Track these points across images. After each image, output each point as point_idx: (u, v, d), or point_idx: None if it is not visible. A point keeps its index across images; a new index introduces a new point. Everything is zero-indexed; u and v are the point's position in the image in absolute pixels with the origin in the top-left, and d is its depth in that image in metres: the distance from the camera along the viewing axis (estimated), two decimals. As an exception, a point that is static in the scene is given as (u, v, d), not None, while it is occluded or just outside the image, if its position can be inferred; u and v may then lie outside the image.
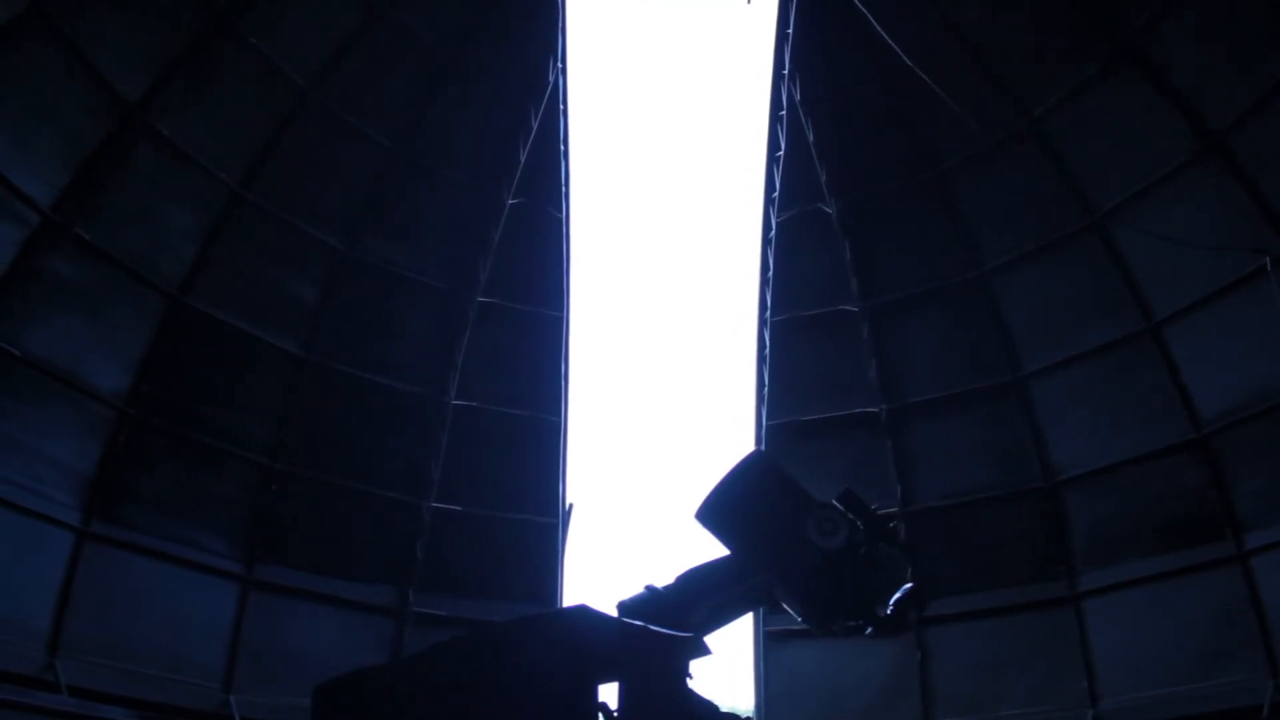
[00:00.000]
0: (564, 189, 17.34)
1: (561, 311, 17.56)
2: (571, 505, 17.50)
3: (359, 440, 16.41)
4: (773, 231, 17.52)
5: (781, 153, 17.18)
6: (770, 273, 17.63)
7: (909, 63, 15.08)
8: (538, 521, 17.21)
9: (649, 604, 5.57)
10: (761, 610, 13.60)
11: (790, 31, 16.39)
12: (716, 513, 5.92)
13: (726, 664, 16.86)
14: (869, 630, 5.71)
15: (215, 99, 14.72)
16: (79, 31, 13.09)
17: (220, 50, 14.49)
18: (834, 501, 5.88)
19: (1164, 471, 15.18)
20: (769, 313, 17.65)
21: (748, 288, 18.04)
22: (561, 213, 17.37)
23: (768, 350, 17.67)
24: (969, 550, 16.44)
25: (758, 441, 17.53)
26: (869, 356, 17.18)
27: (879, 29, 15.19)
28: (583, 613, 5.18)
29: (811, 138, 16.90)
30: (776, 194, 17.40)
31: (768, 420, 17.55)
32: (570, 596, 17.09)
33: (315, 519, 15.83)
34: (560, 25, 16.38)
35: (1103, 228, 15.49)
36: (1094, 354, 15.81)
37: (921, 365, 17.11)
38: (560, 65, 16.62)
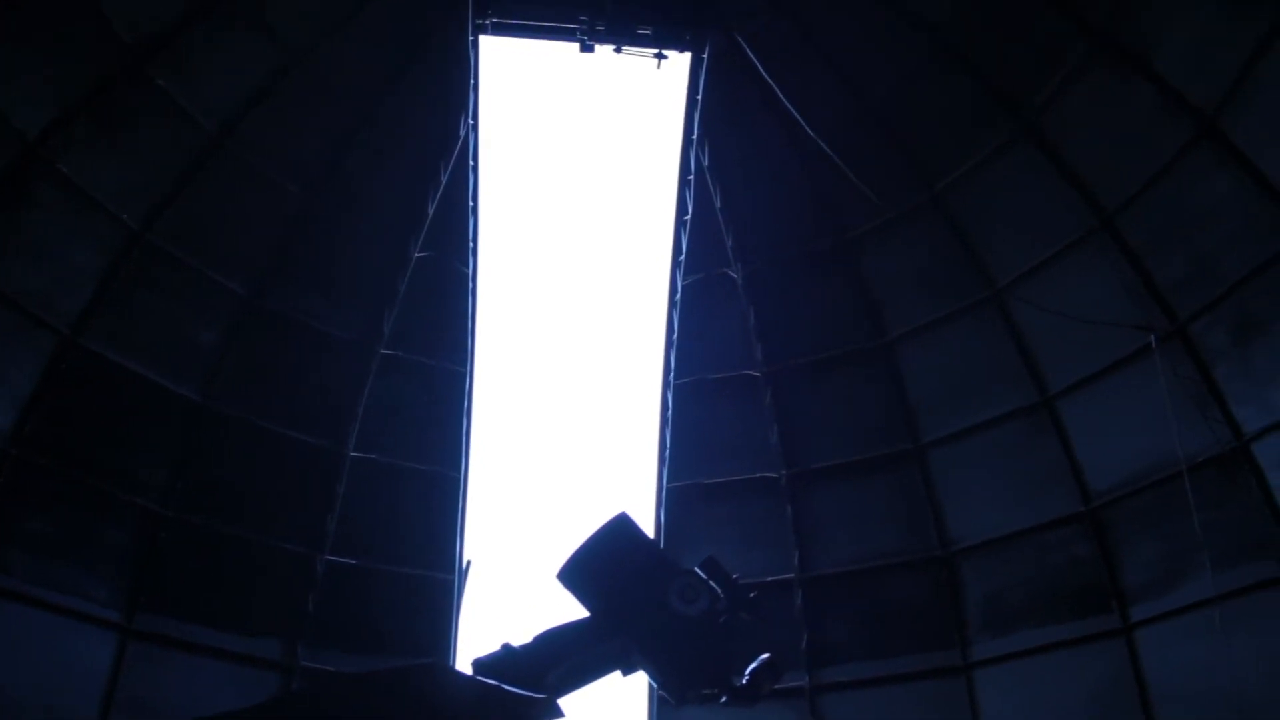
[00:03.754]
0: (472, 244, 17.26)
1: (465, 366, 17.43)
2: (470, 562, 17.32)
3: (254, 490, 16.11)
4: (678, 294, 17.60)
5: (689, 216, 17.29)
6: (675, 335, 17.67)
7: (811, 133, 15.35)
8: (434, 577, 16.94)
9: (504, 663, 5.50)
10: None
11: (700, 97, 16.57)
12: (578, 574, 5.89)
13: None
14: (724, 699, 5.68)
15: (120, 140, 14.56)
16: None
17: (127, 91, 14.36)
18: (696, 569, 5.87)
19: (1056, 543, 15.45)
20: (672, 375, 17.67)
21: (653, 349, 18.12)
22: (468, 268, 17.29)
23: (670, 412, 17.68)
24: (865, 617, 16.55)
25: (659, 503, 17.52)
26: (771, 422, 17.25)
27: (783, 99, 15.44)
28: (435, 669, 5.10)
29: (718, 203, 17.03)
30: (683, 257, 17.49)
31: (669, 482, 17.52)
32: (466, 654, 16.89)
33: (205, 569, 15.48)
34: (473, 82, 16.42)
35: (1001, 300, 15.80)
36: (991, 425, 16.05)
37: (823, 431, 17.20)
38: (472, 122, 16.63)
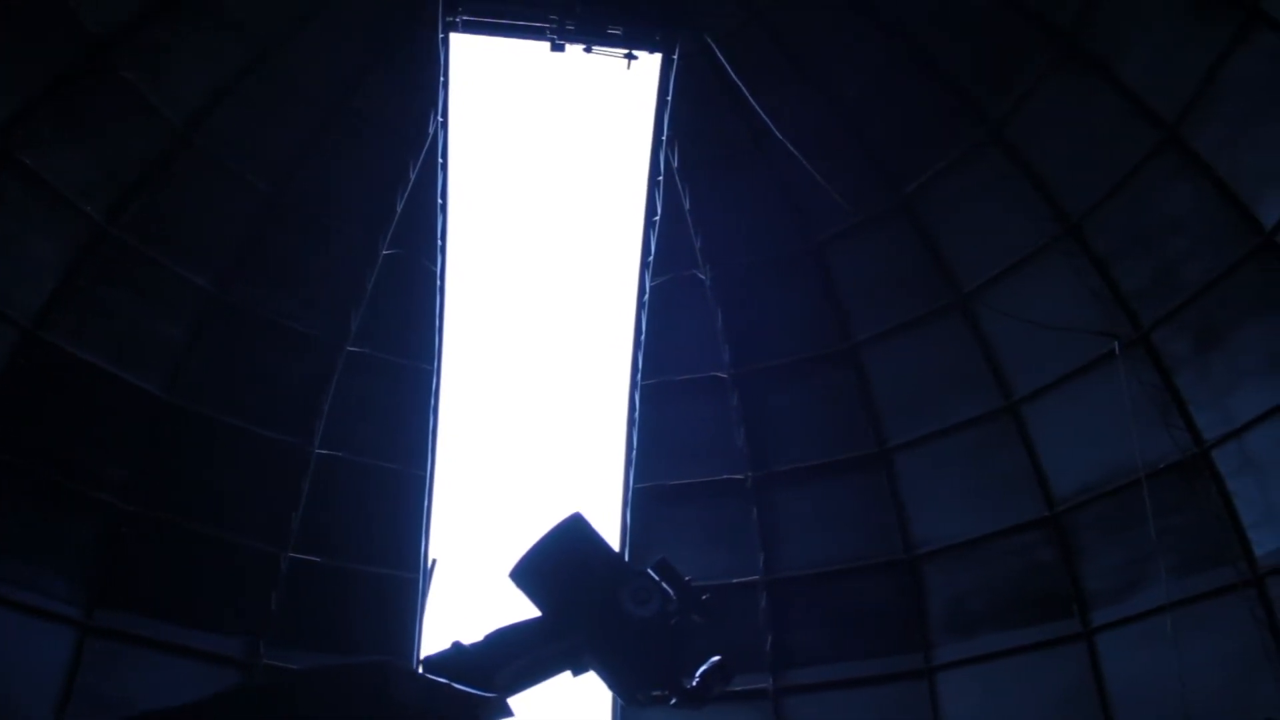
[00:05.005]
0: (440, 242, 17.21)
1: (433, 364, 17.37)
2: (435, 561, 17.23)
3: (218, 486, 15.99)
4: (647, 295, 17.61)
5: (658, 217, 17.30)
6: (643, 336, 17.67)
7: (779, 135, 15.37)
8: (399, 576, 16.87)
9: (454, 661, 5.48)
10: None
11: (669, 98, 16.59)
12: (531, 574, 5.86)
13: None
14: (673, 701, 5.67)
15: (85, 132, 14.48)
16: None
17: (92, 83, 14.27)
18: (649, 570, 5.86)
19: (1019, 548, 15.54)
20: (640, 375, 17.67)
21: (622, 349, 18.10)
22: (437, 266, 17.24)
23: (637, 413, 17.67)
24: (829, 620, 16.59)
25: (625, 504, 17.50)
26: (738, 424, 17.28)
27: (752, 101, 15.46)
28: (386, 666, 5.09)
29: (688, 204, 17.06)
30: (652, 258, 17.49)
31: (635, 483, 17.52)
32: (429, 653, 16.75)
33: (167, 565, 15.38)
34: (442, 80, 16.36)
35: (967, 305, 15.88)
36: (956, 429, 16.14)
37: (789, 434, 17.24)
38: (441, 119, 16.57)
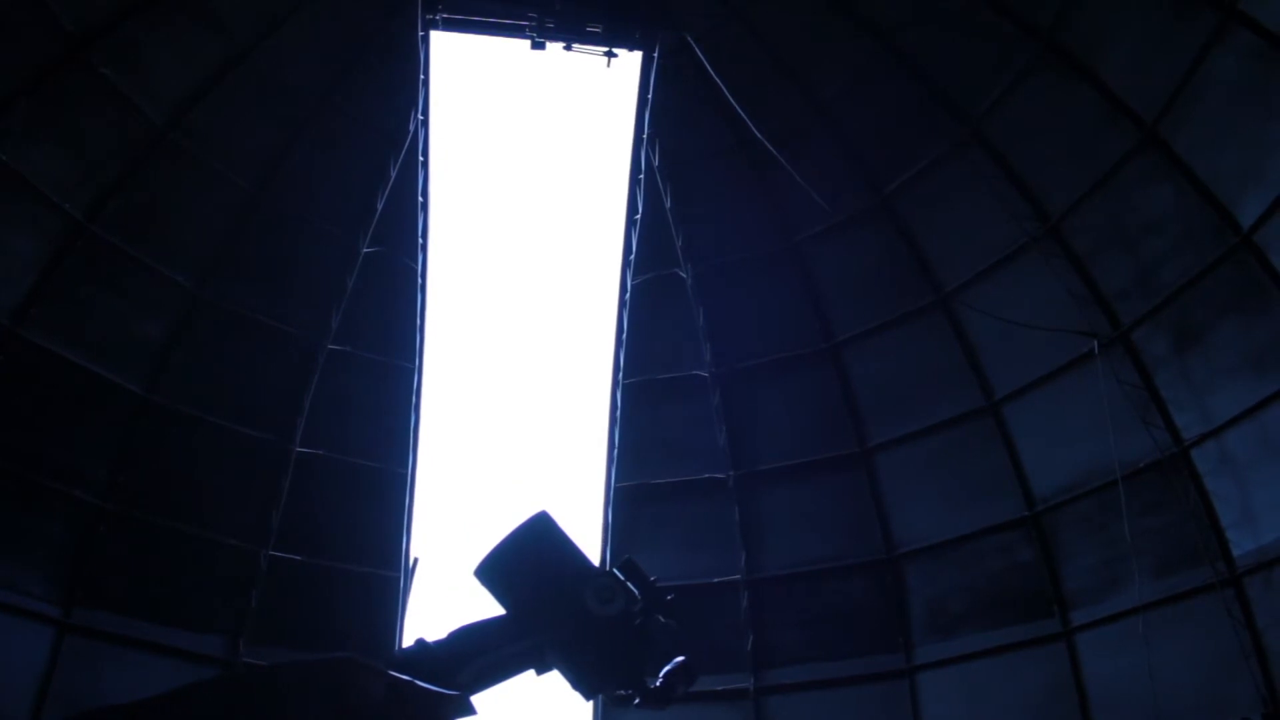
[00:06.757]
0: (421, 240, 17.19)
1: (414, 363, 17.35)
2: (417, 559, 17.18)
3: (198, 484, 15.94)
4: (628, 293, 17.60)
5: (639, 216, 17.29)
6: (624, 334, 17.67)
7: (758, 134, 15.37)
8: (380, 574, 16.85)
9: (419, 658, 5.46)
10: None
11: (650, 96, 16.58)
12: (495, 572, 5.84)
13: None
14: (637, 700, 5.65)
15: (64, 129, 14.42)
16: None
17: (70, 80, 14.19)
18: (614, 570, 5.84)
19: (999, 547, 15.57)
20: (621, 374, 17.66)
21: (604, 347, 18.09)
22: (417, 264, 17.22)
23: (619, 411, 17.66)
24: (811, 620, 16.60)
25: (606, 503, 17.48)
26: (719, 423, 17.27)
27: (731, 100, 15.43)
28: (349, 663, 5.06)
29: (669, 203, 17.05)
30: (633, 256, 17.49)
31: (616, 481, 17.50)
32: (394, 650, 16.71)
33: (146, 563, 15.32)
34: (422, 78, 16.33)
35: (949, 305, 15.88)
36: (937, 429, 16.16)
37: (771, 433, 17.25)
38: (422, 118, 16.54)
